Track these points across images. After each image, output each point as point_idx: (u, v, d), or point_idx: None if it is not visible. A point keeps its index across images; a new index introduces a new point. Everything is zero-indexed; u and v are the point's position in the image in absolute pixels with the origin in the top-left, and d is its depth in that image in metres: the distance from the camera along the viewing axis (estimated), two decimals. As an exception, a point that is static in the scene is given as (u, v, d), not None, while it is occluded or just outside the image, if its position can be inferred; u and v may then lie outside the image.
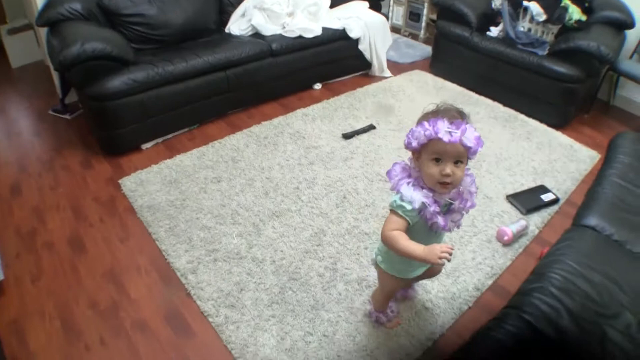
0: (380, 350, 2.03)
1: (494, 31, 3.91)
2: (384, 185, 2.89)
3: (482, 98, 4.01)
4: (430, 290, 2.30)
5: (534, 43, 3.55)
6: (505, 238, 2.66)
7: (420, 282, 2.28)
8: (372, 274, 2.35)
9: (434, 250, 1.50)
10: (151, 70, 2.99)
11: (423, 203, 1.52)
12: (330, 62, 3.93)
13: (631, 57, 3.96)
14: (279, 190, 2.79)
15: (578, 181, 3.20)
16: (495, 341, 1.54)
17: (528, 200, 2.96)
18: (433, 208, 1.53)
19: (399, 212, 1.54)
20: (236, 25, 3.65)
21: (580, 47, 3.37)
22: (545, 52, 3.58)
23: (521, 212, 2.89)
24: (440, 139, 1.44)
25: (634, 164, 2.53)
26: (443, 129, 1.44)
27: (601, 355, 1.53)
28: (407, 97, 3.93)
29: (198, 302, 2.18)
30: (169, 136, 3.27)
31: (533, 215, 2.89)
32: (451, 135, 1.43)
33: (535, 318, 1.61)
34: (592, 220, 2.16)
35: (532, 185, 3.08)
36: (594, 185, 2.45)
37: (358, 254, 2.44)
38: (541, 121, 3.69)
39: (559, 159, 3.36)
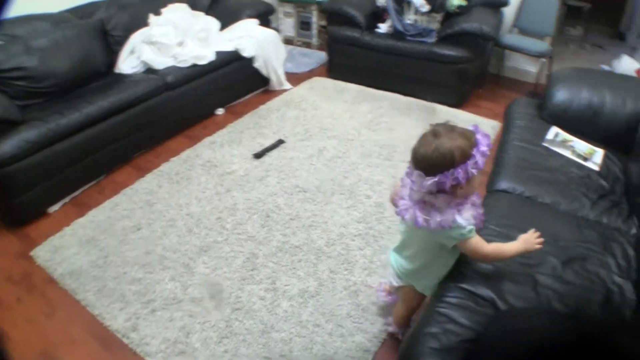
0: (340, 354, 2.07)
1: (383, 27, 4.10)
2: (304, 195, 2.94)
3: (382, 92, 4.17)
4: (373, 285, 2.36)
5: (422, 33, 3.78)
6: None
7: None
8: (313, 283, 2.38)
9: (529, 239, 1.65)
10: (42, 127, 2.78)
11: (473, 216, 1.58)
12: (229, 85, 3.92)
13: (510, 31, 4.32)
14: (202, 224, 2.75)
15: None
16: (441, 315, 1.62)
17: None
18: (480, 212, 1.63)
19: (472, 234, 1.58)
20: (127, 64, 3.53)
21: (465, 30, 3.66)
22: (434, 40, 3.82)
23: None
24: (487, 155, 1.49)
25: (528, 125, 2.76)
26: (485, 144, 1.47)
27: (537, 300, 1.67)
28: (310, 106, 4.00)
29: (147, 359, 2.10)
30: (76, 193, 3.09)
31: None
32: (487, 141, 1.48)
33: (473, 285, 1.72)
34: (503, 184, 2.34)
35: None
36: (498, 152, 2.65)
37: (294, 268, 2.47)
38: (441, 103, 3.91)
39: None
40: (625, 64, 3.89)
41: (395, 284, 2.00)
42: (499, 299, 1.70)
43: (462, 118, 3.75)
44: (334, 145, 3.43)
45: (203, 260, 2.50)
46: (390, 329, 2.20)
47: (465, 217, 1.56)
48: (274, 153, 3.34)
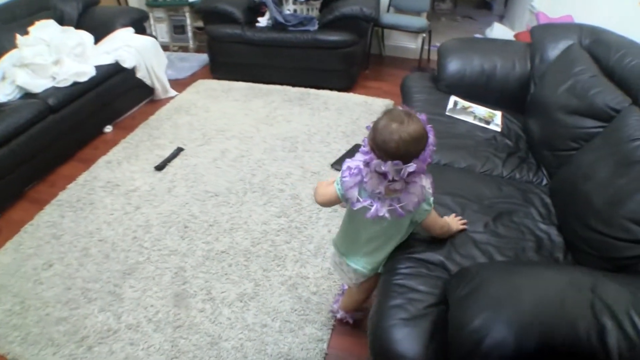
0: (295, 349, 2.10)
1: (263, 21, 4.11)
2: (217, 200, 2.90)
3: (271, 86, 4.21)
4: (308, 275, 2.42)
5: (302, 22, 3.86)
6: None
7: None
8: (249, 285, 2.38)
9: (454, 221, 1.90)
10: None
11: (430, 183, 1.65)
12: (114, 100, 3.72)
13: (388, 10, 4.55)
14: (119, 248, 2.62)
15: (383, 129, 3.56)
16: (401, 286, 1.70)
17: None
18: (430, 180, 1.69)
19: (433, 207, 1.70)
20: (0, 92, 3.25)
21: (345, 14, 3.79)
22: (316, 27, 3.91)
23: (350, 175, 3.14)
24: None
25: (428, 98, 2.95)
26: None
27: (481, 256, 1.81)
28: (201, 109, 3.94)
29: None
30: (-33, 242, 2.83)
31: (361, 173, 3.16)
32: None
33: (420, 253, 1.82)
34: None
35: (348, 147, 3.36)
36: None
37: (226, 274, 2.44)
38: (331, 89, 4.04)
39: (361, 116, 3.70)
40: (498, 31, 4.22)
41: (356, 282, 1.97)
42: (447, 261, 1.83)
43: (354, 101, 3.90)
44: (235, 145, 3.42)
45: (129, 284, 2.39)
46: (339, 315, 2.24)
47: (427, 185, 1.63)
48: (175, 162, 3.25)
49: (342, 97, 3.96)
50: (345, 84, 4.03)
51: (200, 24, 4.96)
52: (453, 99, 2.94)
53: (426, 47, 4.38)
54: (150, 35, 4.22)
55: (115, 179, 3.12)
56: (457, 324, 1.40)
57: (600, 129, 2.23)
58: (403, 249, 1.86)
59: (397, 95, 3.91)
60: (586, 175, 2.04)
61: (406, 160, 1.44)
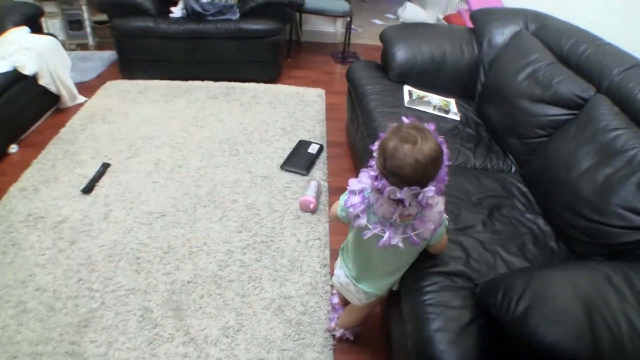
0: None
1: (177, 11, 3.62)
2: (165, 221, 2.49)
3: (192, 83, 3.74)
4: (291, 294, 2.17)
5: (222, 10, 3.44)
6: (312, 206, 2.63)
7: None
8: (230, 316, 2.06)
9: None
10: None
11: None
12: (16, 114, 3.03)
13: None
14: (63, 295, 2.13)
15: (323, 121, 3.32)
16: (434, 305, 1.56)
17: (301, 160, 2.97)
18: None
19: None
20: None
21: (270, 0, 3.41)
22: (238, 16, 3.50)
23: (303, 174, 2.88)
24: None
25: (382, 90, 2.77)
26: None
27: (492, 257, 1.75)
28: (119, 116, 3.39)
29: None
30: None
31: (313, 171, 2.92)
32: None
33: (438, 265, 1.70)
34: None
35: (292, 145, 3.09)
36: (367, 122, 2.54)
37: (200, 307, 2.10)
38: (257, 81, 3.69)
39: (296, 109, 3.43)
40: (411, 11, 4.11)
41: (366, 302, 1.78)
42: (467, 269, 1.75)
43: (285, 92, 3.61)
44: (168, 153, 2.99)
45: (90, 339, 1.94)
46: (338, 333, 2.05)
47: (440, 207, 1.45)
48: (104, 181, 2.75)
49: (271, 89, 3.64)
50: (272, 75, 3.71)
51: (99, 17, 4.33)
52: (407, 88, 2.77)
53: (347, 30, 4.13)
54: (49, 34, 3.53)
55: (36, 210, 2.55)
56: (527, 343, 1.25)
57: (568, 117, 2.25)
58: (420, 263, 1.71)
59: (326, 83, 3.70)
60: (569, 165, 2.04)
61: (423, 184, 1.29)
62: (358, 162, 2.87)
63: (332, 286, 2.28)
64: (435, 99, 2.74)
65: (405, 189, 1.27)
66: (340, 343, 2.08)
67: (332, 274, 2.32)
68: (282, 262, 2.37)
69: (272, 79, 3.73)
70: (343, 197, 1.53)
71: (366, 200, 1.43)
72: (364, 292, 1.74)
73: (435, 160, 1.27)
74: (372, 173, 1.36)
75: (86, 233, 2.42)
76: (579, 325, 1.22)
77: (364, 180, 1.44)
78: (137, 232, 2.43)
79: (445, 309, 1.57)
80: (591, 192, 1.91)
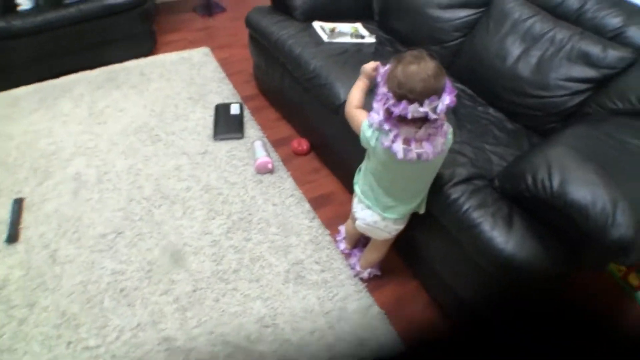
0: (359, 332, 1.71)
1: (24, 2, 2.64)
2: (125, 238, 1.95)
3: (65, 79, 2.85)
4: (301, 259, 1.92)
5: None
6: (270, 166, 2.29)
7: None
8: (259, 305, 1.74)
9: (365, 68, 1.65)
10: None
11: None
12: None
13: None
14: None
15: (225, 78, 2.87)
16: (474, 212, 1.56)
17: (229, 124, 2.54)
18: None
19: None
20: None
21: None
22: None
23: (239, 138, 2.48)
24: None
25: (296, 32, 2.40)
26: None
27: (487, 155, 1.61)
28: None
29: None
30: None
31: (247, 130, 2.52)
32: None
33: (457, 176, 1.67)
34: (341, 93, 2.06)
35: (210, 113, 2.62)
36: (302, 69, 2.20)
37: (222, 310, 1.74)
38: (136, 57, 2.99)
39: (192, 75, 2.91)
40: None
41: (396, 232, 1.68)
42: (477, 169, 1.70)
43: (171, 61, 3.00)
44: (85, 163, 2.31)
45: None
46: (366, 274, 1.90)
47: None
48: (27, 220, 2.04)
49: (155, 61, 2.97)
50: (149, 47, 3.03)
51: None
52: (318, 25, 2.43)
53: None
54: None
55: (-39, 289, 1.86)
56: (570, 207, 1.32)
57: (478, 15, 2.26)
58: (437, 183, 1.63)
59: (205, 40, 3.19)
60: (502, 55, 2.08)
61: (438, 95, 1.29)
62: (290, 107, 2.56)
63: (336, 234, 2.05)
64: (345, 27, 2.43)
65: (426, 101, 1.27)
66: (370, 282, 1.91)
67: (325, 223, 2.11)
68: (273, 232, 2.04)
69: (150, 51, 3.05)
70: (366, 127, 1.47)
71: (394, 131, 1.38)
72: (393, 222, 1.62)
73: (439, 74, 1.29)
74: (390, 101, 1.31)
75: (42, 288, 1.80)
76: (602, 180, 1.32)
77: (380, 111, 1.38)
78: (103, 262, 1.88)
79: (485, 210, 1.55)
80: (530, 73, 1.97)
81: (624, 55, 1.79)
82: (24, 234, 1.99)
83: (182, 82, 2.82)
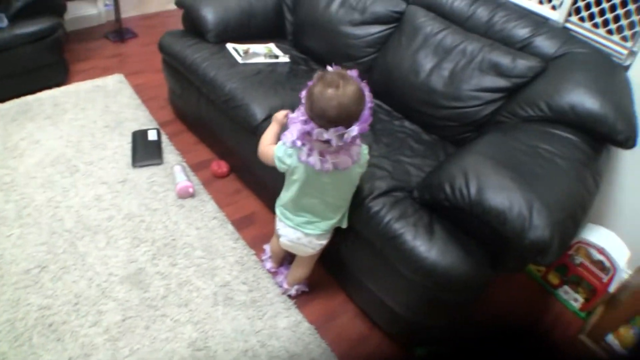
0: (289, 346, 1.80)
1: None
2: (50, 272, 1.92)
3: None
4: (227, 280, 2.00)
5: None
6: (191, 190, 2.35)
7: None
8: (187, 329, 1.80)
9: (277, 116, 1.69)
10: None
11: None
12: None
13: None
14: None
15: (141, 104, 2.87)
16: (396, 223, 1.63)
17: (148, 150, 2.56)
18: None
19: None
20: None
21: None
22: (7, 22, 2.57)
23: (159, 164, 2.51)
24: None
25: (209, 55, 2.43)
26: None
27: (405, 168, 1.86)
28: None
29: None
30: None
31: (166, 155, 2.57)
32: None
33: (376, 190, 1.76)
34: (261, 113, 2.12)
35: (128, 140, 2.62)
36: (217, 90, 2.24)
37: (153, 337, 1.77)
38: (49, 87, 2.89)
39: (107, 103, 2.89)
40: None
41: (320, 248, 1.75)
42: (396, 182, 1.80)
43: (85, 89, 2.94)
44: (3, 199, 2.22)
45: None
46: (293, 291, 1.99)
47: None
48: None
49: (68, 91, 2.89)
50: (61, 76, 2.94)
51: None
52: (231, 46, 2.51)
53: (112, 7, 3.40)
54: None
55: None
56: (488, 214, 1.40)
57: (390, 30, 2.36)
58: (358, 197, 1.72)
59: (117, 67, 3.17)
60: (414, 69, 2.17)
61: (348, 124, 1.31)
62: (208, 130, 2.59)
63: (262, 254, 2.13)
64: (259, 47, 2.53)
65: (332, 130, 1.29)
66: (298, 298, 2.01)
67: (250, 244, 2.19)
68: (198, 255, 2.10)
69: (63, 80, 2.95)
70: (279, 148, 1.52)
71: (307, 147, 1.43)
72: (316, 238, 1.69)
73: (356, 102, 1.29)
74: (302, 117, 1.35)
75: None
76: (517, 184, 1.41)
77: (293, 132, 1.43)
78: (29, 298, 1.86)
79: (407, 220, 1.62)
80: (443, 86, 2.06)
81: (532, 64, 1.90)
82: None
83: (97, 111, 2.79)
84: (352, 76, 1.32)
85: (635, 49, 1.91)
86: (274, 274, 2.07)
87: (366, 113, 1.32)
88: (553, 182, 1.51)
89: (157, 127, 2.73)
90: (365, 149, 1.53)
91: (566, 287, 2.19)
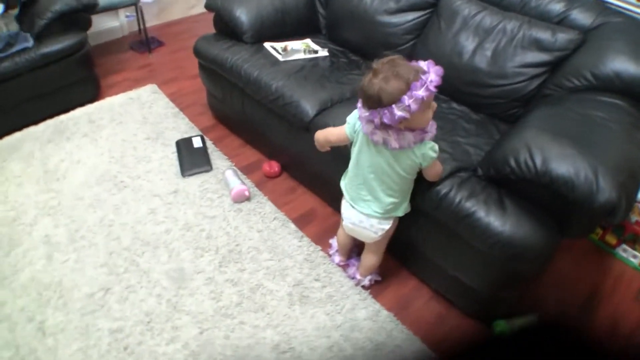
0: (372, 336, 1.67)
1: None
2: (115, 294, 1.76)
3: (10, 138, 2.48)
4: (301, 279, 1.85)
5: (10, 42, 2.31)
6: (247, 193, 2.19)
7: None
8: (268, 334, 1.65)
9: None
10: None
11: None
12: None
13: None
14: None
15: (179, 112, 2.73)
16: (467, 202, 1.59)
17: (195, 158, 2.40)
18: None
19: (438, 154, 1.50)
20: None
21: (61, 11, 2.44)
22: (32, 41, 2.40)
23: (208, 170, 2.35)
24: (433, 92, 1.32)
25: (250, 56, 2.29)
26: (430, 84, 1.28)
27: (463, 148, 1.60)
28: None
29: None
30: None
31: (214, 161, 2.41)
32: (434, 82, 1.29)
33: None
34: (312, 109, 2.00)
35: (172, 150, 2.46)
36: (268, 91, 2.09)
37: (235, 345, 1.61)
38: (82, 104, 2.72)
39: (144, 114, 2.73)
40: None
41: (382, 233, 1.65)
42: (459, 163, 1.71)
43: (119, 103, 2.78)
44: (52, 224, 2.05)
45: None
46: (367, 281, 1.87)
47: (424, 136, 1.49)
48: (3, 296, 1.75)
49: (103, 106, 2.73)
50: (94, 92, 2.77)
51: None
52: (269, 45, 2.36)
53: (138, 17, 3.22)
54: None
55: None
56: (555, 182, 1.39)
57: (426, 16, 2.27)
58: (425, 185, 1.63)
59: (149, 78, 3.02)
60: (458, 52, 2.10)
61: (379, 106, 1.34)
62: (254, 131, 2.44)
63: (329, 248, 2.00)
64: (297, 44, 2.38)
65: (367, 110, 1.38)
66: (372, 288, 1.88)
67: (315, 240, 2.05)
68: (265, 258, 1.95)
69: (95, 96, 2.79)
70: (350, 116, 1.57)
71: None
72: (377, 222, 1.63)
73: (371, 99, 1.33)
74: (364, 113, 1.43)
75: (37, 362, 1.63)
76: (579, 152, 1.40)
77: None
78: (98, 323, 1.69)
79: (477, 198, 1.57)
80: (487, 65, 2.00)
81: (572, 37, 1.88)
82: (1, 311, 1.76)
83: (135, 123, 2.63)
84: (405, 74, 1.29)
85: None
86: (344, 266, 1.94)
87: (383, 112, 1.32)
88: (610, 146, 1.50)
89: (200, 133, 2.57)
90: (429, 145, 1.44)
91: (624, 246, 2.15)
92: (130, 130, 2.59)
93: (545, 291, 1.94)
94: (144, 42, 3.29)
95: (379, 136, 1.42)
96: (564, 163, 1.38)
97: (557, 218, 1.53)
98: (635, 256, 2.18)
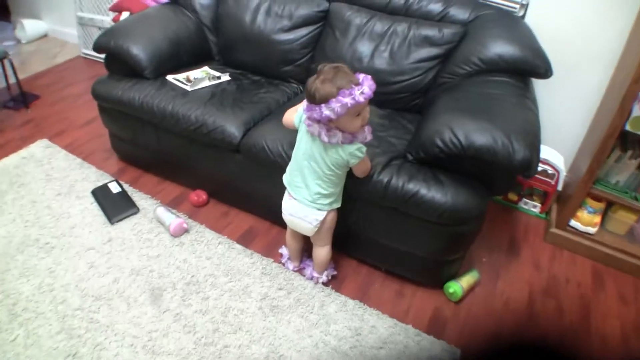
0: (341, 330, 1.84)
1: None
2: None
3: None
4: (248, 306, 1.95)
5: None
6: (185, 226, 2.21)
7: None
8: (256, 349, 1.74)
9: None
10: None
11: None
12: None
13: None
14: None
15: (83, 161, 2.56)
16: (409, 185, 1.77)
17: (118, 203, 2.33)
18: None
19: (364, 153, 1.66)
20: None
21: None
22: None
23: (136, 212, 2.30)
24: (360, 103, 1.48)
25: (153, 92, 2.23)
26: (358, 95, 1.45)
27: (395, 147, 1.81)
28: None
29: None
30: None
31: (138, 202, 2.34)
32: (364, 94, 1.47)
33: (378, 166, 1.85)
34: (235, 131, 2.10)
35: (90, 201, 2.32)
36: (178, 122, 2.10)
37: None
38: None
39: (47, 172, 2.50)
40: (31, 27, 3.60)
41: (317, 224, 1.79)
42: (390, 152, 1.88)
43: (13, 165, 2.50)
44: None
45: None
46: (324, 278, 2.03)
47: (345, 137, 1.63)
48: None
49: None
50: None
51: None
52: (171, 77, 2.38)
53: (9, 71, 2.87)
54: None
55: None
56: (480, 152, 1.61)
57: (319, 29, 2.42)
58: (369, 176, 1.80)
59: (36, 134, 2.84)
60: (357, 58, 2.27)
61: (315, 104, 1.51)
62: (172, 165, 2.42)
63: (280, 258, 2.12)
64: (197, 73, 2.41)
65: (306, 105, 1.56)
66: (332, 282, 2.04)
67: (264, 254, 2.15)
68: (224, 281, 2.01)
69: None
70: (300, 108, 1.70)
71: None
72: (309, 208, 1.76)
73: (309, 95, 1.50)
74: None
75: None
76: (492, 124, 1.64)
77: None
78: None
79: (416, 179, 1.77)
80: (387, 65, 2.19)
81: (456, 30, 2.12)
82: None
83: (39, 182, 2.42)
84: (338, 81, 1.45)
85: (524, 2, 2.26)
86: (300, 271, 2.08)
87: (316, 108, 1.49)
88: (513, 115, 1.77)
89: (113, 178, 2.47)
90: (356, 146, 1.61)
91: (525, 200, 2.53)
92: (37, 190, 2.39)
93: (477, 248, 2.22)
94: (18, 98, 2.99)
95: (314, 128, 1.59)
96: (483, 135, 1.60)
97: (484, 181, 1.79)
98: (535, 206, 2.53)
